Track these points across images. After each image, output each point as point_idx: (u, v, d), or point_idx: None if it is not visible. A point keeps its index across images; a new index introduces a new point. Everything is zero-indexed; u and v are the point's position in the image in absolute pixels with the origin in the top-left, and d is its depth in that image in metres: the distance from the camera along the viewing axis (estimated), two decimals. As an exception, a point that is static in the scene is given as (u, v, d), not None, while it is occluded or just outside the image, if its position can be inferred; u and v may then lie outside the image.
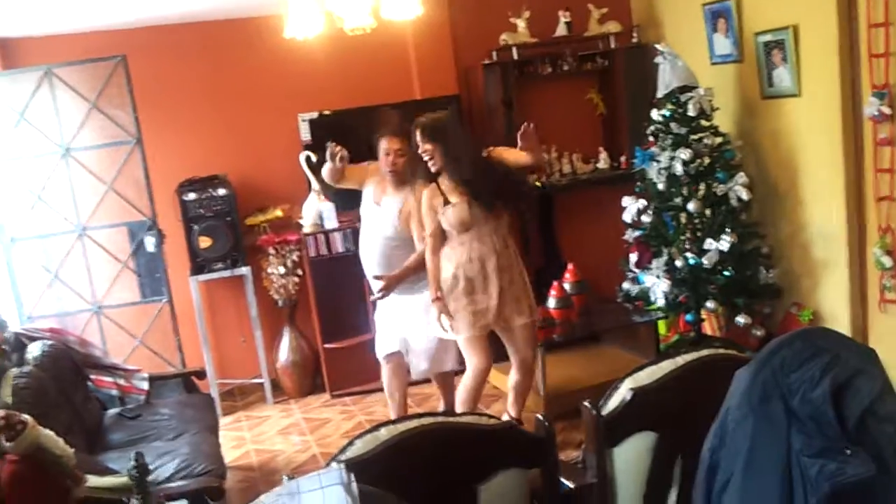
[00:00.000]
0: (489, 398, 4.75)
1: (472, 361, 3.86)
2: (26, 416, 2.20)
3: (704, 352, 2.24)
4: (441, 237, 3.80)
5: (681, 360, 2.22)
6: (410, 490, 1.88)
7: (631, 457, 2.15)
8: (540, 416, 2.08)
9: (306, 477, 1.52)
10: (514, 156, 3.77)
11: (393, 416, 4.10)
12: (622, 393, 2.14)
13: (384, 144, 3.97)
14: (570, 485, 2.13)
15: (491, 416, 2.10)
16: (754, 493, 1.49)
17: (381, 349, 4.20)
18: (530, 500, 2.09)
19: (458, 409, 3.87)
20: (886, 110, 3.50)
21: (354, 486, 1.47)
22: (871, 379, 1.56)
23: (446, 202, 3.73)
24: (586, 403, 2.11)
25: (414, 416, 2.00)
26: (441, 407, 4.36)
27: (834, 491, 1.46)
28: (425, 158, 3.75)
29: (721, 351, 2.29)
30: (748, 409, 1.54)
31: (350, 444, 1.92)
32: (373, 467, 1.85)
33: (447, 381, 4.31)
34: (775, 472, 1.50)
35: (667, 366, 2.20)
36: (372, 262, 4.13)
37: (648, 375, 2.17)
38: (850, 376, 1.53)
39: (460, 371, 4.04)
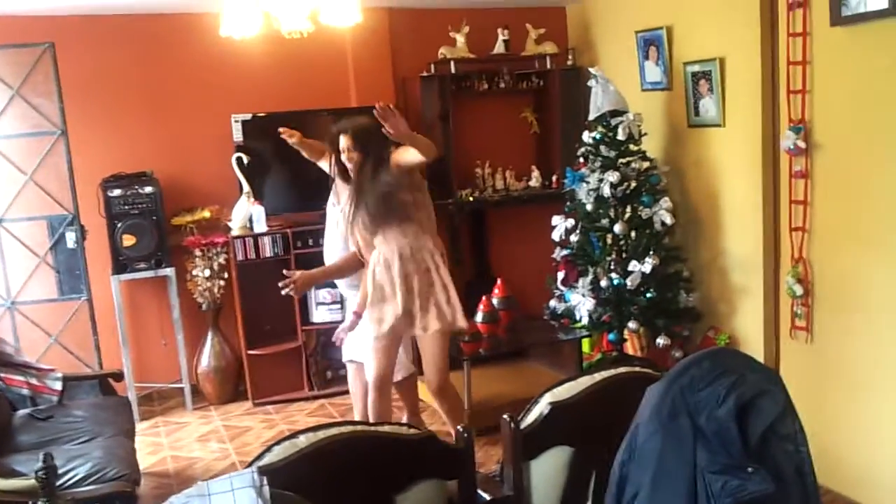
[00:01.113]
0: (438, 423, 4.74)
1: (370, 367, 3.78)
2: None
3: (622, 369, 2.31)
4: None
5: (598, 376, 2.29)
6: (328, 499, 1.88)
7: (547, 470, 2.20)
8: (460, 428, 2.11)
9: (217, 479, 1.50)
10: (409, 156, 3.52)
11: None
12: (541, 407, 2.18)
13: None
14: (487, 497, 2.15)
15: (411, 427, 2.11)
16: (661, 507, 1.55)
17: (344, 353, 4.12)
18: (447, 511, 2.11)
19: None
20: (802, 144, 3.65)
21: (266, 489, 1.46)
22: (773, 399, 1.63)
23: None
24: (505, 416, 2.14)
25: (333, 423, 2.00)
26: (404, 417, 4.27)
27: (735, 506, 1.53)
28: (348, 165, 3.66)
29: (637, 369, 2.36)
30: (657, 425, 1.60)
31: (268, 450, 1.91)
32: (290, 474, 1.84)
33: (403, 389, 4.20)
34: (681, 486, 1.55)
35: (585, 381, 2.26)
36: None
37: (567, 390, 2.22)
38: (753, 396, 1.61)
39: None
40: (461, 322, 3.72)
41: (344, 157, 3.66)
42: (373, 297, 3.67)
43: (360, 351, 3.93)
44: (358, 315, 3.81)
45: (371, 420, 3.70)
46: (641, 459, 1.59)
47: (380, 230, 3.64)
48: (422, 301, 3.63)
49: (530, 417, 2.18)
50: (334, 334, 3.95)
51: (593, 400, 2.20)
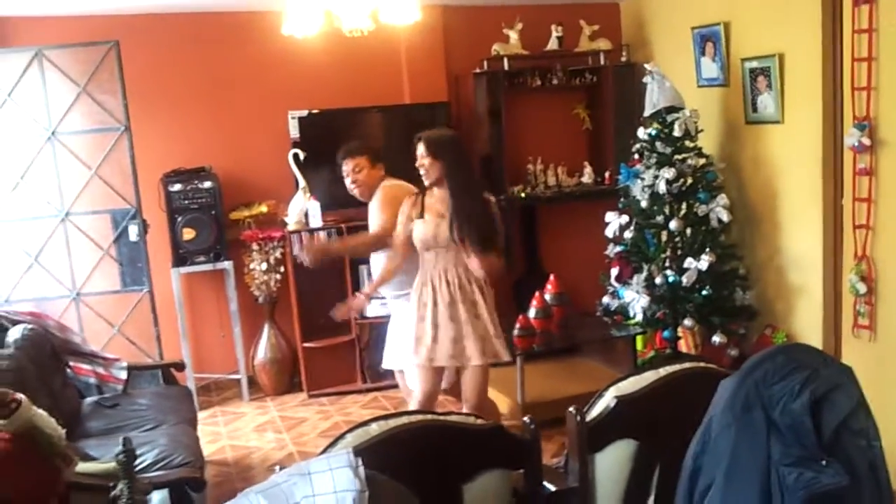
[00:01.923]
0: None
1: (415, 389, 3.71)
2: (20, 395, 2.21)
3: (686, 364, 2.31)
4: (408, 248, 3.66)
5: (663, 371, 2.29)
6: (398, 484, 1.92)
7: (611, 463, 2.21)
8: (526, 420, 2.13)
9: (315, 459, 1.55)
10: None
11: None
12: (606, 400, 2.19)
13: (343, 169, 3.98)
14: (552, 488, 2.18)
15: (478, 417, 2.14)
16: (734, 498, 1.56)
17: (385, 361, 4.10)
18: (512, 500, 2.14)
19: None
20: (867, 141, 3.60)
21: (362, 469, 1.51)
22: (847, 394, 1.63)
23: (420, 216, 3.60)
24: (571, 410, 2.16)
25: (404, 412, 2.04)
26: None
27: (809, 498, 1.53)
28: (420, 172, 3.63)
29: (702, 364, 2.36)
30: (731, 418, 1.61)
31: (341, 437, 1.96)
32: (363, 461, 1.89)
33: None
34: (755, 478, 1.56)
35: (650, 376, 2.27)
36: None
37: (632, 385, 2.23)
38: (827, 391, 1.61)
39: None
40: (503, 356, 3.67)
41: (418, 165, 3.63)
42: (416, 317, 3.62)
43: (398, 358, 3.92)
44: (366, 295, 3.83)
45: None
46: (715, 452, 1.60)
47: (440, 247, 3.55)
48: (464, 331, 3.55)
49: (595, 410, 2.20)
50: (336, 308, 3.89)
51: (658, 394, 2.21)
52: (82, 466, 2.40)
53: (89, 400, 3.99)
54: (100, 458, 2.95)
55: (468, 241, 3.47)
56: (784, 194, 4.62)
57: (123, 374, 4.13)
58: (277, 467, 1.85)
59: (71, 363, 4.01)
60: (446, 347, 3.54)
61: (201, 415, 4.90)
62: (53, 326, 4.05)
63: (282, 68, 5.27)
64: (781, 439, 1.57)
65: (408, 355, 3.64)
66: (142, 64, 5.03)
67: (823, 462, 1.53)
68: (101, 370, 4.09)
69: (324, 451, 1.92)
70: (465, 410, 3.69)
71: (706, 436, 1.64)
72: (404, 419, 2.00)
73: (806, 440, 1.55)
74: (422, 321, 3.58)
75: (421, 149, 3.59)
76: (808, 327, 4.51)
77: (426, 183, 3.62)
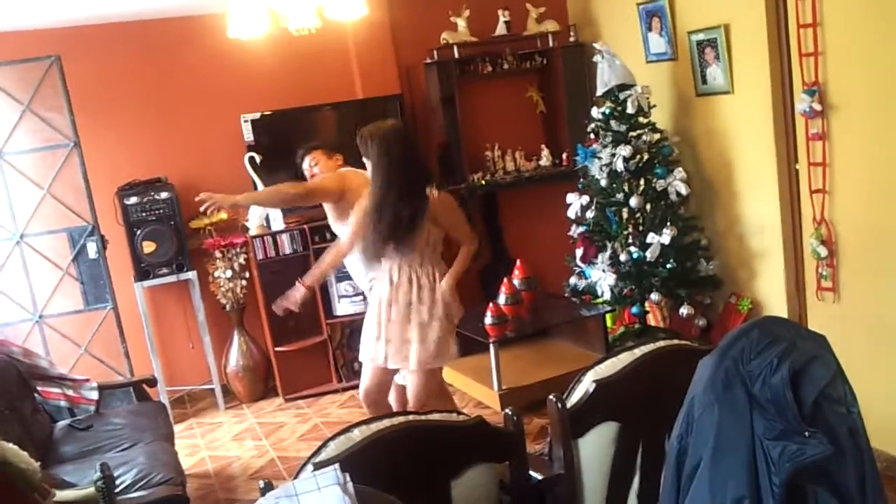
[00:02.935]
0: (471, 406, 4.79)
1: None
2: (-9, 432, 2.15)
3: (661, 343, 2.34)
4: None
5: (638, 351, 2.31)
6: (386, 490, 1.92)
7: (595, 447, 2.23)
8: (508, 412, 2.14)
9: (302, 479, 1.54)
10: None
11: None
12: (585, 385, 2.21)
13: (303, 169, 3.98)
14: (539, 476, 2.19)
15: (460, 413, 2.15)
16: (722, 476, 1.58)
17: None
18: (500, 493, 2.15)
19: None
20: (817, 107, 3.66)
21: (350, 485, 1.50)
22: (824, 364, 1.66)
23: None
24: (551, 397, 2.17)
25: (385, 416, 2.04)
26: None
27: (795, 470, 1.56)
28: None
29: (675, 342, 2.39)
30: (713, 397, 1.63)
31: (324, 445, 1.95)
32: (347, 468, 1.87)
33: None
34: (741, 455, 1.58)
35: (626, 358, 2.29)
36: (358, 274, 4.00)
37: (609, 367, 2.25)
38: (805, 362, 1.63)
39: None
40: (447, 360, 3.58)
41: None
42: (368, 312, 3.63)
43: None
44: (307, 287, 3.71)
45: None
46: (699, 432, 1.62)
47: (386, 248, 3.47)
48: (404, 333, 3.47)
49: (575, 396, 2.22)
50: (276, 303, 3.83)
51: (635, 375, 2.24)
52: (61, 495, 2.35)
53: (61, 424, 3.91)
54: (77, 484, 2.89)
55: (380, 239, 3.42)
56: (739, 163, 4.69)
57: (94, 395, 4.05)
58: (261, 482, 1.83)
59: (39, 388, 3.92)
60: (385, 347, 3.51)
61: (177, 428, 4.84)
62: (18, 352, 3.96)
63: (231, 72, 5.19)
64: (763, 414, 1.59)
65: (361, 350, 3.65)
66: (87, 77, 4.91)
67: (806, 434, 1.56)
68: (71, 392, 4.01)
69: (307, 461, 1.91)
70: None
71: (689, 416, 1.66)
72: (386, 422, 2.00)
73: (787, 413, 1.57)
74: (370, 319, 3.58)
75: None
76: (772, 293, 4.59)
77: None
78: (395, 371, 3.68)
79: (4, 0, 4.08)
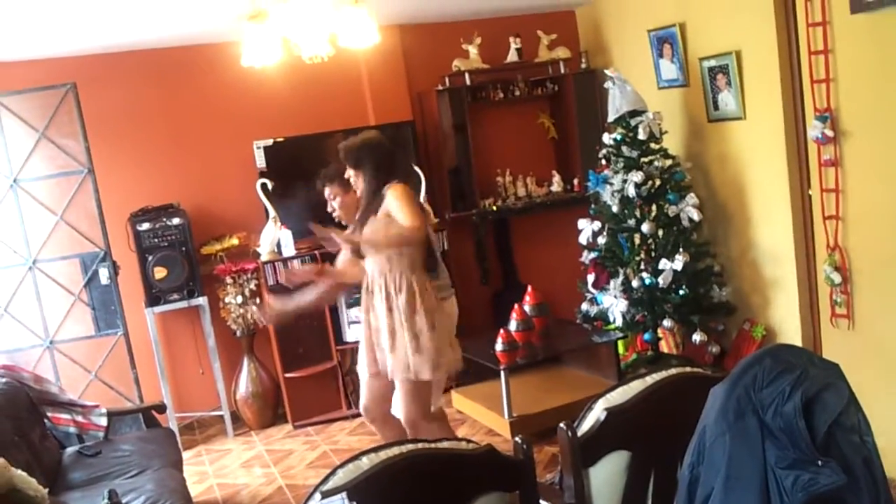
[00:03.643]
0: (454, 423, 4.74)
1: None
2: (-1, 458, 2.15)
3: (672, 371, 2.30)
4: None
5: (650, 379, 2.28)
6: (394, 518, 1.89)
7: (606, 476, 2.19)
8: (518, 440, 2.11)
9: (308, 509, 1.51)
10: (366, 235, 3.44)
11: None
12: (596, 413, 2.18)
13: (325, 195, 3.84)
14: (549, 506, 2.16)
15: (470, 441, 2.12)
16: (735, 506, 1.55)
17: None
18: (510, 523, 2.11)
19: None
20: (829, 133, 3.65)
21: (357, 514, 1.47)
22: (837, 392, 1.63)
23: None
24: (562, 425, 2.14)
25: (395, 443, 2.01)
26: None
27: (808, 500, 1.53)
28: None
29: (687, 369, 2.36)
30: (725, 426, 1.60)
31: (332, 473, 1.92)
32: (356, 496, 1.85)
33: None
34: (753, 484, 1.55)
35: (637, 385, 2.25)
36: None
37: (620, 395, 2.22)
38: (818, 390, 1.60)
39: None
40: (424, 376, 3.41)
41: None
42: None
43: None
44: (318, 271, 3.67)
45: None
46: (711, 461, 1.59)
47: (367, 253, 3.51)
48: (383, 342, 3.44)
49: (586, 424, 2.18)
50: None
51: (647, 403, 2.20)
52: (68, 523, 2.33)
53: (70, 450, 3.91)
54: (85, 511, 2.88)
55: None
56: (752, 189, 4.67)
57: (103, 421, 4.05)
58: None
59: (49, 414, 3.92)
60: (371, 353, 3.51)
61: (186, 455, 4.82)
62: (28, 378, 3.97)
63: (244, 99, 5.23)
64: (776, 443, 1.56)
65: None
66: (101, 104, 4.96)
67: (819, 463, 1.53)
68: (80, 418, 4.01)
69: (315, 490, 1.88)
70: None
71: (701, 445, 1.63)
72: (395, 450, 1.97)
73: (800, 442, 1.54)
74: (365, 329, 3.56)
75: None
76: (785, 319, 4.55)
77: (358, 194, 3.58)
78: (391, 383, 3.58)
79: (22, 30, 4.14)
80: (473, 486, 2.03)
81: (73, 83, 4.61)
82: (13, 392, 3.67)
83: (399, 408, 3.57)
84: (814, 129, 3.70)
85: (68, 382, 4.61)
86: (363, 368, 3.61)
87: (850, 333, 3.80)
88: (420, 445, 2.03)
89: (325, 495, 1.84)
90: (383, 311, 3.44)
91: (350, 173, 3.57)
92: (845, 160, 3.68)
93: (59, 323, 4.80)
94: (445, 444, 2.07)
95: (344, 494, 1.54)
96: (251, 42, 3.59)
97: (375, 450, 1.98)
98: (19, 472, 2.20)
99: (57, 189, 4.78)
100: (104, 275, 4.78)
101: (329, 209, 3.90)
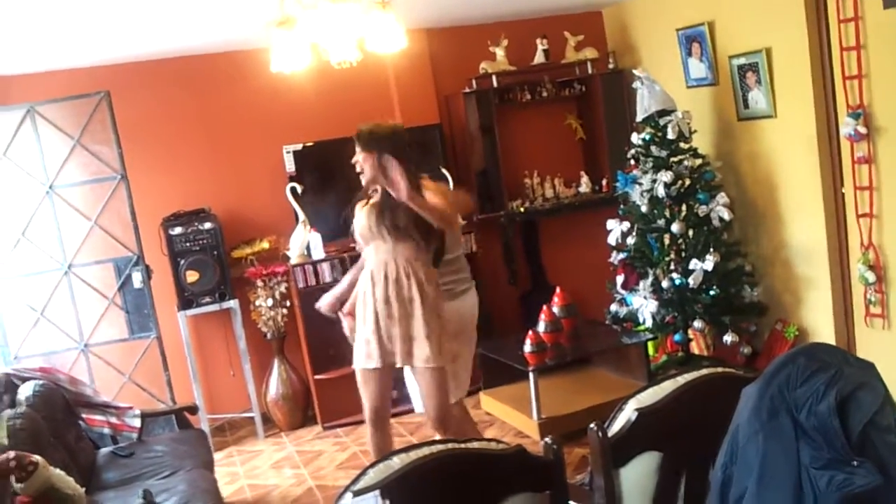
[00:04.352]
0: (482, 425, 4.75)
1: (365, 403, 3.54)
2: (37, 457, 2.19)
3: (704, 371, 2.28)
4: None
5: (681, 379, 2.26)
6: (425, 518, 1.90)
7: (637, 477, 2.18)
8: (548, 440, 2.10)
9: (341, 506, 1.53)
10: (433, 202, 3.34)
11: None
12: (627, 414, 2.16)
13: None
14: (580, 507, 2.15)
15: (500, 442, 2.12)
16: (768, 507, 1.53)
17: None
18: (540, 524, 2.11)
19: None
20: (862, 130, 3.60)
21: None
22: (872, 391, 1.61)
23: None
24: (592, 426, 2.13)
25: (425, 443, 2.02)
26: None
27: (843, 500, 1.51)
28: (357, 170, 3.47)
29: (719, 370, 2.33)
30: (758, 425, 1.58)
31: (363, 473, 1.93)
32: (387, 496, 1.86)
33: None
34: (787, 484, 1.54)
35: (668, 386, 2.23)
36: None
37: (651, 396, 2.20)
38: (853, 389, 1.58)
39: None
40: (432, 362, 3.39)
41: (353, 161, 3.48)
42: (362, 311, 3.46)
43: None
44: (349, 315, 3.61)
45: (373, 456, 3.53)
46: (744, 460, 1.58)
47: (376, 239, 3.43)
48: (402, 331, 3.39)
49: (617, 425, 2.17)
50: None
51: (679, 404, 2.18)
52: (104, 522, 2.37)
53: (104, 451, 3.97)
54: (121, 511, 2.93)
55: (402, 226, 3.35)
56: (783, 188, 4.62)
57: (137, 422, 4.11)
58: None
59: (84, 415, 3.99)
60: (381, 346, 3.41)
61: (217, 456, 4.87)
62: (64, 380, 4.04)
63: (273, 104, 5.28)
64: (810, 443, 1.54)
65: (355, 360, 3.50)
66: (134, 111, 5.04)
67: (854, 463, 1.51)
68: (114, 420, 4.07)
69: (346, 490, 1.90)
70: (428, 422, 3.58)
71: (734, 445, 1.61)
72: (425, 450, 1.97)
73: (835, 442, 1.52)
74: (363, 322, 3.44)
75: (356, 148, 3.46)
76: (819, 319, 4.49)
77: (363, 182, 3.47)
78: (391, 380, 3.56)
79: (56, 41, 4.22)
80: (503, 486, 2.03)
81: (107, 91, 4.68)
82: (49, 394, 3.73)
83: (426, 402, 3.50)
84: (846, 126, 3.65)
85: (102, 384, 4.67)
86: (369, 363, 3.45)
87: (886, 333, 3.74)
88: (450, 445, 2.03)
89: (357, 494, 1.85)
90: (417, 299, 3.39)
91: (360, 157, 3.45)
92: (879, 157, 3.63)
93: (93, 326, 4.88)
94: (476, 445, 2.07)
95: (377, 492, 1.54)
96: (280, 48, 3.62)
97: (406, 450, 1.99)
98: (58, 471, 2.25)
99: (91, 195, 4.86)
100: (137, 279, 4.84)
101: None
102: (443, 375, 3.45)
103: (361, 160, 3.44)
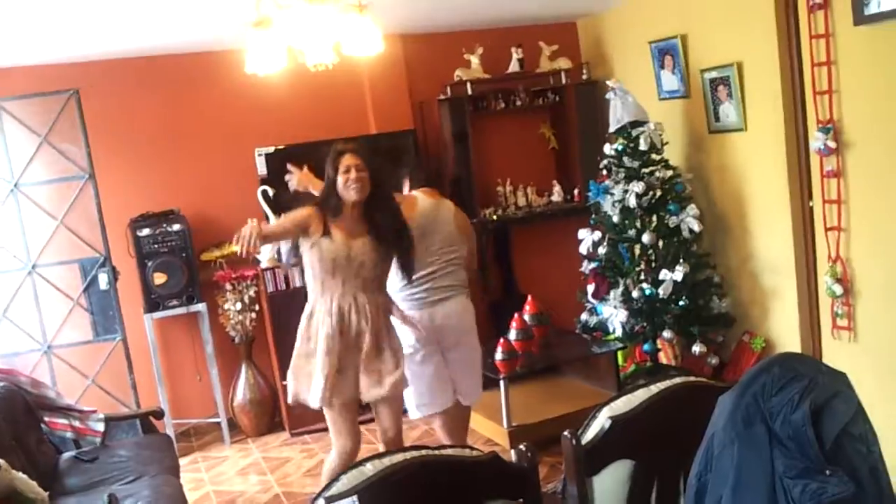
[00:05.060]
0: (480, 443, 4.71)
1: (339, 441, 3.46)
2: (0, 460, 2.13)
3: (677, 380, 2.29)
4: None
5: (654, 388, 2.26)
6: (398, 525, 1.88)
7: (609, 485, 2.18)
8: (522, 447, 2.10)
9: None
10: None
11: None
12: (601, 422, 2.16)
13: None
14: (552, 515, 2.14)
15: (474, 448, 2.11)
16: (743, 515, 1.54)
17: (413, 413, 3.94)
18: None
19: None
20: (832, 144, 3.65)
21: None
22: (846, 401, 1.62)
23: (325, 234, 3.28)
24: (566, 434, 2.13)
25: (399, 450, 2.00)
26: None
27: (817, 510, 1.52)
28: (352, 187, 3.30)
29: (692, 379, 2.35)
30: (733, 434, 1.59)
31: (335, 479, 1.91)
32: (361, 502, 1.84)
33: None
34: (761, 493, 1.54)
35: (641, 394, 2.24)
36: None
37: (625, 404, 2.21)
38: (827, 399, 1.60)
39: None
40: (398, 390, 3.44)
41: (351, 176, 3.31)
42: (325, 348, 3.31)
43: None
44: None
45: None
46: (719, 469, 1.58)
47: (346, 273, 3.30)
48: (372, 366, 3.36)
49: (590, 433, 2.17)
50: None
51: (652, 412, 2.19)
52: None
53: (67, 455, 3.88)
54: (83, 517, 2.86)
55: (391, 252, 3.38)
56: (753, 201, 4.67)
57: (101, 426, 4.02)
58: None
59: (46, 419, 3.90)
60: (354, 381, 3.35)
61: (182, 462, 4.78)
62: (26, 382, 3.94)
63: (246, 106, 5.23)
64: (784, 451, 1.55)
65: (312, 398, 3.36)
66: (103, 110, 4.96)
67: (828, 472, 1.52)
68: (77, 424, 3.99)
69: (318, 496, 1.87)
70: (381, 439, 3.60)
71: (709, 453, 1.62)
72: (399, 457, 1.96)
73: (809, 450, 1.53)
74: (327, 354, 3.31)
75: (354, 160, 3.32)
76: (786, 331, 4.54)
77: (357, 198, 3.31)
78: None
79: (25, 36, 4.14)
80: (477, 493, 2.02)
81: (76, 90, 4.61)
82: (10, 396, 3.65)
83: (396, 422, 3.53)
84: (816, 140, 3.71)
85: (66, 387, 4.58)
86: (362, 395, 3.40)
87: (852, 345, 3.79)
88: (424, 453, 2.02)
89: (331, 500, 1.83)
90: (385, 331, 3.40)
91: (354, 166, 3.34)
92: (848, 171, 3.69)
93: (57, 328, 4.79)
94: (450, 451, 2.06)
95: (355, 498, 1.52)
96: (255, 49, 3.59)
97: (379, 456, 1.97)
98: (20, 474, 2.19)
99: (57, 194, 4.77)
100: (103, 280, 4.77)
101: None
102: (399, 403, 3.55)
103: (364, 177, 3.32)
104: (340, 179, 3.34)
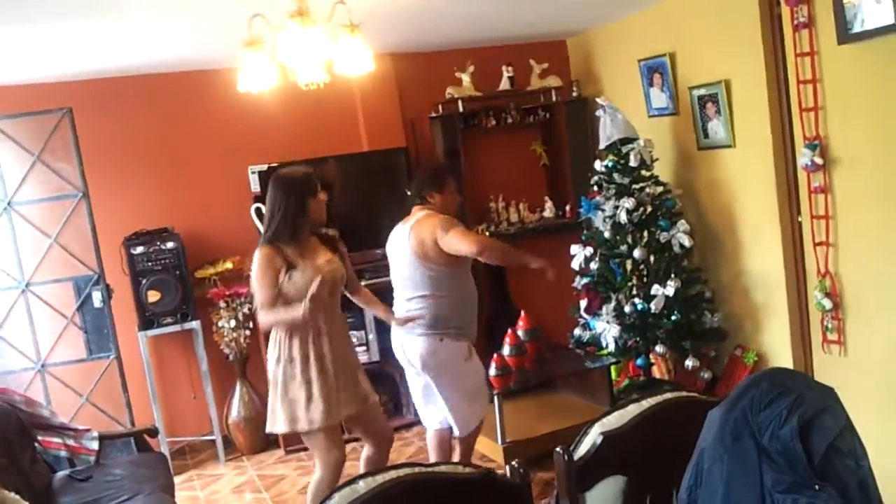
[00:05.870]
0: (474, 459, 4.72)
1: (332, 455, 3.48)
2: (-6, 481, 2.13)
3: (668, 395, 2.32)
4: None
5: (646, 403, 2.29)
6: (392, 542, 1.89)
7: (602, 501, 2.20)
8: (515, 464, 2.11)
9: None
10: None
11: None
12: (592, 437, 2.18)
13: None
14: (546, 530, 2.16)
15: (467, 465, 2.12)
16: (732, 530, 1.56)
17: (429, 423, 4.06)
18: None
19: None
20: (819, 160, 3.70)
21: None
22: (834, 416, 1.65)
23: (292, 267, 3.32)
24: (558, 450, 2.14)
25: (391, 467, 2.01)
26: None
27: (806, 525, 1.54)
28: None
29: (683, 394, 2.37)
30: (722, 449, 1.62)
31: (328, 497, 1.92)
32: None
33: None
34: (751, 508, 1.57)
35: (633, 410, 2.26)
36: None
37: (617, 419, 2.23)
38: (815, 413, 1.63)
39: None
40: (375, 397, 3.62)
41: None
42: (316, 370, 3.34)
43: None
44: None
45: None
46: (709, 484, 1.61)
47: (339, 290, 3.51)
48: (353, 377, 3.50)
49: (582, 449, 2.19)
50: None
51: (644, 427, 2.20)
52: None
53: (61, 474, 3.87)
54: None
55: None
56: (742, 216, 4.72)
57: (95, 445, 4.01)
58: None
59: (40, 437, 3.89)
60: (346, 395, 3.42)
61: (177, 480, 4.76)
62: (20, 401, 3.93)
63: (239, 124, 5.26)
64: (773, 466, 1.58)
65: (302, 422, 3.37)
66: (97, 128, 4.99)
67: (816, 487, 1.55)
68: (71, 442, 3.98)
69: (313, 514, 1.89)
70: (378, 441, 3.71)
71: (699, 468, 1.64)
72: (392, 474, 1.97)
73: (797, 465, 1.56)
74: (321, 374, 3.34)
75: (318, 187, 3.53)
76: (777, 345, 4.58)
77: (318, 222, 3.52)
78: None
79: (18, 54, 4.16)
80: (471, 510, 2.04)
81: (70, 108, 4.62)
82: (4, 415, 3.64)
83: (386, 429, 3.77)
84: (803, 156, 3.75)
85: (60, 406, 4.57)
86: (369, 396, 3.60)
87: (842, 359, 3.83)
88: (417, 469, 2.03)
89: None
90: (350, 344, 3.65)
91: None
92: (835, 187, 3.74)
93: (51, 346, 4.78)
94: (443, 468, 2.08)
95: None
96: (248, 68, 3.63)
97: (372, 474, 1.98)
98: (13, 494, 2.19)
99: (51, 212, 4.78)
100: (97, 298, 4.77)
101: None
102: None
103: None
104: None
